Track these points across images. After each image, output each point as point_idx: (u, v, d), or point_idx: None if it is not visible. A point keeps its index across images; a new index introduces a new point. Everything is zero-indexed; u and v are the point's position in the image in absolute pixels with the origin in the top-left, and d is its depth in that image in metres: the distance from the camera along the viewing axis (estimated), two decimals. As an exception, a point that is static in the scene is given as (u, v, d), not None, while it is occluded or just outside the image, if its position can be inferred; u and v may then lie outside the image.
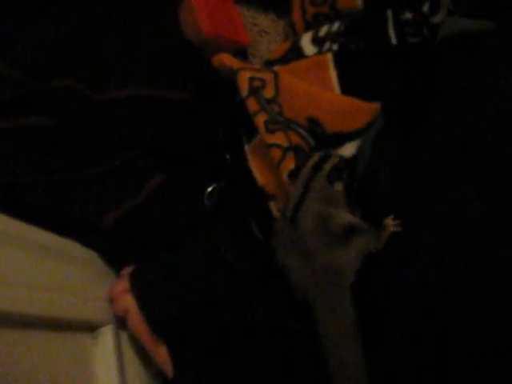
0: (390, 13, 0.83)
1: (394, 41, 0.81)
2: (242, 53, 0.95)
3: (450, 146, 0.62)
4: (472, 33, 0.70)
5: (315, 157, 0.67)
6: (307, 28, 0.89)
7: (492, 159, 0.58)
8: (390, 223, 0.62)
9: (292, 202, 0.65)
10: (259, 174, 0.76)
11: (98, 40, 0.81)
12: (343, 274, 0.61)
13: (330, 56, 0.80)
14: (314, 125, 0.75)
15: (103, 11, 0.84)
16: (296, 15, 0.91)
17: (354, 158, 0.74)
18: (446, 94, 0.66)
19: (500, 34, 0.62)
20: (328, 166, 0.65)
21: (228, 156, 0.80)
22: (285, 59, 0.85)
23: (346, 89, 0.79)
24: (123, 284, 0.69)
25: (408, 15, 0.82)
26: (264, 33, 0.99)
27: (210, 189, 0.78)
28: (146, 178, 0.77)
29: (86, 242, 0.71)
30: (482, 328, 0.51)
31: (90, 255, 0.71)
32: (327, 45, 0.83)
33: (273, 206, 0.74)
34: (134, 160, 0.77)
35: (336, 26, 0.85)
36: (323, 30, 0.84)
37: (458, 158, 0.61)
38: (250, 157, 0.78)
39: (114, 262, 0.74)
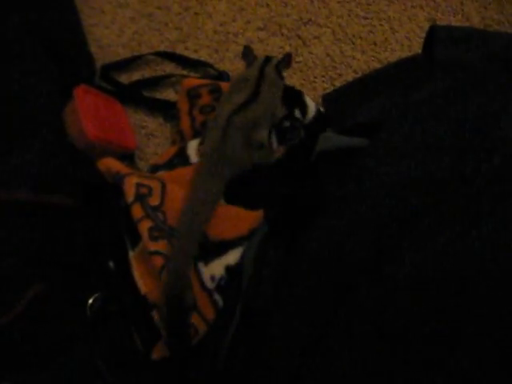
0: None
1: (275, 146, 0.85)
2: (128, 155, 0.95)
3: (327, 258, 0.65)
4: (347, 148, 0.75)
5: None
6: (195, 135, 0.91)
7: (373, 263, 0.61)
8: None
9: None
10: (142, 282, 0.75)
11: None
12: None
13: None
14: (197, 233, 0.76)
15: None
16: (184, 122, 0.93)
17: (239, 266, 0.75)
18: (326, 205, 0.69)
19: (372, 150, 0.68)
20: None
21: (111, 263, 0.78)
22: (170, 165, 0.86)
23: (230, 196, 0.81)
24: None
25: (286, 123, 0.88)
26: (151, 136, 1.00)
27: (92, 299, 0.76)
28: (25, 287, 0.73)
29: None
30: None
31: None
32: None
33: (155, 315, 0.73)
34: (12, 267, 0.74)
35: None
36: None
37: (339, 268, 0.64)
38: (134, 264, 0.76)
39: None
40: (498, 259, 0.56)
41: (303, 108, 0.90)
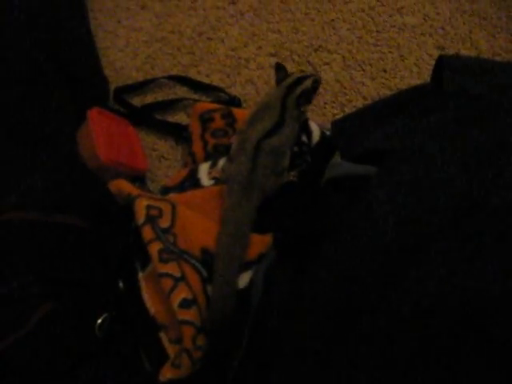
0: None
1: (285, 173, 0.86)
2: (139, 177, 0.96)
3: (335, 284, 0.66)
4: (356, 176, 0.75)
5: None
6: (206, 158, 0.93)
7: (379, 292, 0.62)
8: None
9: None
10: (151, 303, 0.76)
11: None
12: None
13: (225, 188, 0.84)
14: (207, 256, 0.77)
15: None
16: (196, 146, 0.95)
17: (247, 290, 0.76)
18: (334, 232, 0.70)
19: (380, 178, 0.68)
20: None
21: (121, 283, 0.79)
22: (181, 187, 0.87)
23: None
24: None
25: (295, 148, 0.89)
26: (163, 158, 1.02)
27: (101, 319, 0.76)
28: (36, 306, 0.74)
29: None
30: None
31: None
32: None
33: (163, 336, 0.74)
34: (23, 286, 0.75)
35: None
36: (220, 163, 0.88)
37: (346, 295, 0.65)
38: (143, 285, 0.77)
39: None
40: (502, 289, 0.57)
41: (309, 133, 0.91)
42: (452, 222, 0.60)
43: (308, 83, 0.87)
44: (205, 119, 0.95)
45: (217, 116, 0.94)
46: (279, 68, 0.89)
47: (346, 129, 0.86)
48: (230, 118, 0.94)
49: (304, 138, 0.91)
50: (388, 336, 0.58)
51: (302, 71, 0.88)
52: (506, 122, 0.64)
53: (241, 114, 0.94)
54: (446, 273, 0.58)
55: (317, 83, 0.89)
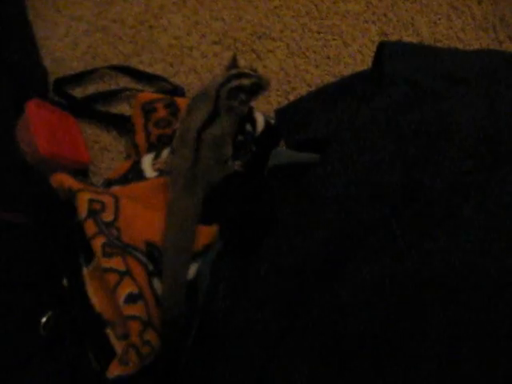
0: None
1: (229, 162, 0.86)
2: (82, 170, 0.94)
3: (281, 273, 0.66)
4: (300, 164, 0.75)
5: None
6: (150, 149, 0.91)
7: (322, 282, 0.62)
8: None
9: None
10: (96, 300, 0.74)
11: None
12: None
13: (169, 179, 0.82)
14: (151, 248, 0.76)
15: None
16: (139, 137, 0.93)
17: (194, 281, 0.75)
18: (277, 221, 0.70)
19: (323, 165, 0.69)
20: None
21: (65, 280, 0.77)
22: (125, 180, 0.85)
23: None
24: None
25: (240, 138, 0.88)
26: (105, 150, 1.00)
27: (45, 318, 0.74)
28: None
29: None
30: None
31: None
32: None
33: (110, 333, 0.72)
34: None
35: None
36: (164, 154, 0.87)
37: (289, 285, 0.65)
38: (87, 281, 0.76)
39: None
40: (450, 270, 0.58)
41: (253, 122, 0.90)
42: (392, 208, 0.60)
43: (246, 81, 0.83)
44: (147, 109, 0.93)
45: (159, 106, 0.93)
46: (233, 61, 0.87)
47: (290, 116, 0.86)
48: (172, 108, 0.92)
49: (248, 127, 0.90)
50: (331, 326, 0.58)
51: (252, 70, 0.86)
52: (441, 107, 0.65)
53: (184, 104, 0.92)
54: (389, 260, 0.59)
55: (257, 87, 0.84)
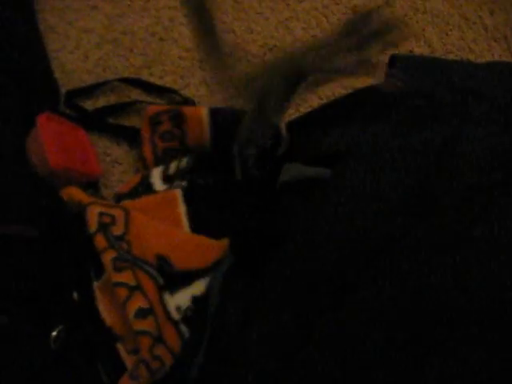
0: (235, 148, 0.88)
1: (239, 176, 0.85)
2: (93, 183, 0.94)
3: (292, 288, 0.65)
4: (310, 179, 0.75)
5: None
6: (158, 162, 0.91)
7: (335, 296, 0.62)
8: None
9: None
10: (107, 314, 0.74)
11: None
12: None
13: (178, 192, 0.82)
14: (162, 262, 0.75)
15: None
16: (146, 150, 0.93)
17: (205, 296, 0.74)
18: (287, 236, 0.70)
19: (333, 182, 0.68)
20: None
21: (75, 294, 0.77)
22: (135, 193, 0.85)
23: (196, 225, 0.81)
24: None
25: (252, 150, 0.88)
26: (116, 163, 1.00)
27: (55, 331, 0.74)
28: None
29: None
30: None
31: None
32: (177, 181, 0.85)
33: (120, 347, 0.72)
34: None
35: (185, 161, 0.87)
36: (172, 167, 0.87)
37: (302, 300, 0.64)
38: (98, 295, 0.75)
39: None
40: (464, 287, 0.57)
41: (277, 138, 0.89)
42: (404, 226, 0.60)
43: None
44: (154, 122, 0.93)
45: (165, 118, 0.92)
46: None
47: (301, 129, 0.86)
48: (178, 119, 0.92)
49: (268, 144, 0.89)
50: (352, 335, 0.58)
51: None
52: (455, 121, 0.65)
53: (192, 112, 0.92)
54: (404, 273, 0.58)
55: None
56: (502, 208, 0.58)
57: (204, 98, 1.06)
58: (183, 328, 0.73)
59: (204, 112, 0.91)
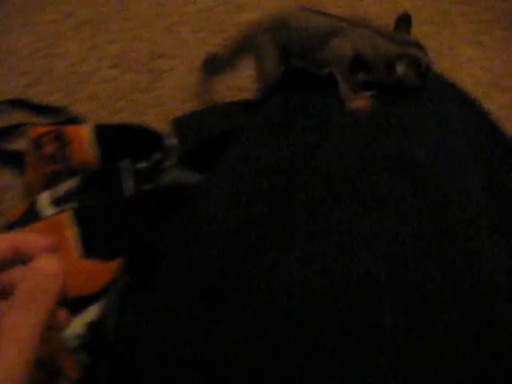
0: (124, 164, 0.86)
1: (129, 191, 0.84)
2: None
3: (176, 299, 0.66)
4: (187, 183, 0.75)
5: None
6: (47, 185, 0.88)
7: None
8: None
9: None
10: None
11: None
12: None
13: (67, 215, 0.79)
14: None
15: None
16: (30, 175, 0.89)
17: (102, 319, 0.72)
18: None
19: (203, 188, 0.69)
20: None
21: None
22: (22, 222, 0.82)
23: (88, 245, 0.79)
24: None
25: (143, 164, 0.86)
26: (9, 189, 0.96)
27: None
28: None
29: None
30: None
31: None
32: (67, 204, 0.82)
33: None
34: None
35: (74, 182, 0.85)
36: (61, 189, 0.84)
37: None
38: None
39: None
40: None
41: (166, 152, 0.88)
42: (275, 217, 0.61)
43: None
44: (37, 144, 0.89)
45: (48, 140, 0.89)
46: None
47: (187, 125, 0.85)
48: (61, 140, 0.89)
49: (157, 157, 0.89)
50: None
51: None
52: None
53: (74, 132, 0.89)
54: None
55: None
56: None
57: (93, 113, 1.03)
58: (83, 355, 0.71)
59: (87, 130, 0.89)
